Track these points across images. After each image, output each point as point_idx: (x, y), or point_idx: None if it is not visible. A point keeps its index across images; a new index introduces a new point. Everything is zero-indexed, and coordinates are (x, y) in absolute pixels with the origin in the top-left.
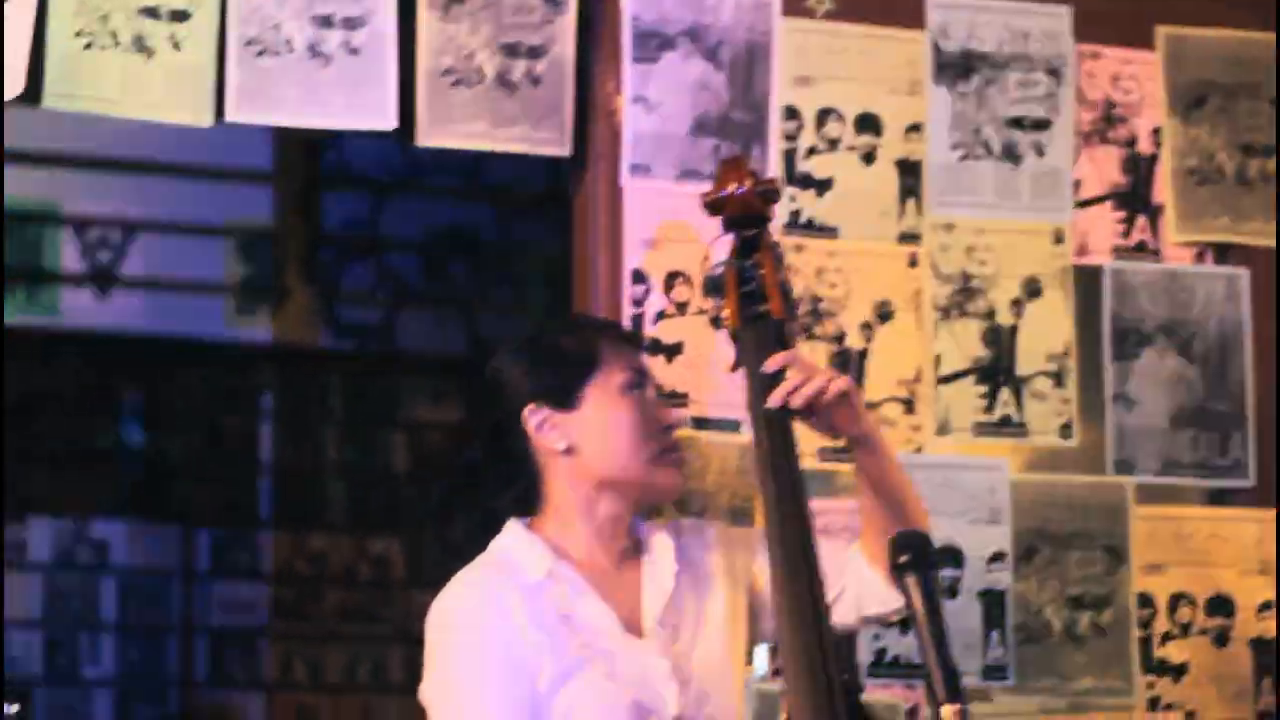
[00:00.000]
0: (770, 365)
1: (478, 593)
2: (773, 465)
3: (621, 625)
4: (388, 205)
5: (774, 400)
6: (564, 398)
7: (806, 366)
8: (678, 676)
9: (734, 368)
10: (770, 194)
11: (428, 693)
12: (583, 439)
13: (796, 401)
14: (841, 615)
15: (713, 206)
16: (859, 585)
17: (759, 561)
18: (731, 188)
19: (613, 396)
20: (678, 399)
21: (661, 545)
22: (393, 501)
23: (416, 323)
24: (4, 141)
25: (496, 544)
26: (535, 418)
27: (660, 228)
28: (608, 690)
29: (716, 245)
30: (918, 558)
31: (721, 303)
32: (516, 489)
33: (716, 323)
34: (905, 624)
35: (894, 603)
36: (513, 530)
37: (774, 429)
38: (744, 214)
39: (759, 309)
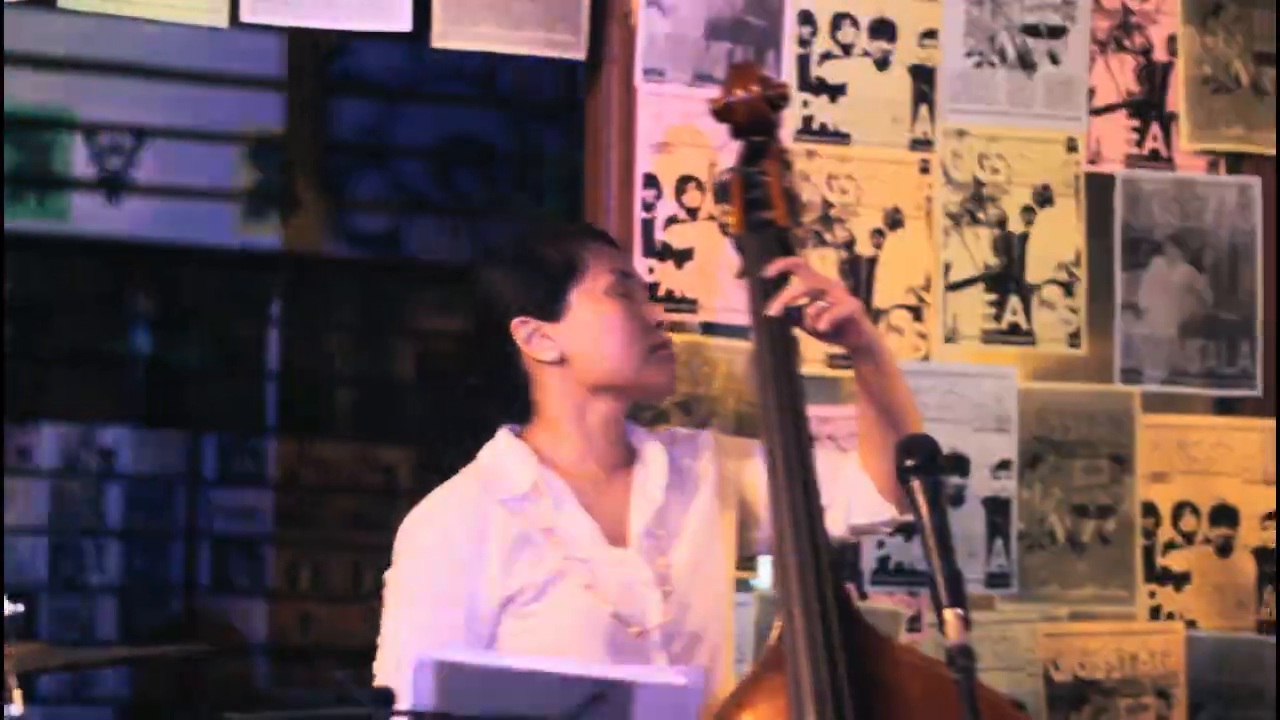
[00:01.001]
0: (772, 270)
1: (450, 507)
2: (772, 373)
3: (604, 535)
4: (398, 112)
5: (774, 307)
6: (550, 308)
7: (810, 273)
8: (661, 586)
9: (739, 274)
10: (779, 100)
11: (386, 588)
12: (572, 347)
13: (823, 325)
14: (831, 525)
15: (721, 113)
16: (849, 494)
17: (750, 471)
18: (739, 93)
19: (598, 301)
20: (686, 304)
21: (654, 455)
22: (399, 410)
23: (426, 231)
24: (3, 44)
25: (485, 452)
26: (524, 330)
27: (672, 132)
28: (585, 601)
29: (726, 151)
30: (924, 462)
31: (728, 209)
32: (510, 398)
33: (725, 229)
34: (908, 531)
35: (883, 513)
36: (503, 438)
37: (774, 336)
38: (751, 120)
39: (763, 216)
